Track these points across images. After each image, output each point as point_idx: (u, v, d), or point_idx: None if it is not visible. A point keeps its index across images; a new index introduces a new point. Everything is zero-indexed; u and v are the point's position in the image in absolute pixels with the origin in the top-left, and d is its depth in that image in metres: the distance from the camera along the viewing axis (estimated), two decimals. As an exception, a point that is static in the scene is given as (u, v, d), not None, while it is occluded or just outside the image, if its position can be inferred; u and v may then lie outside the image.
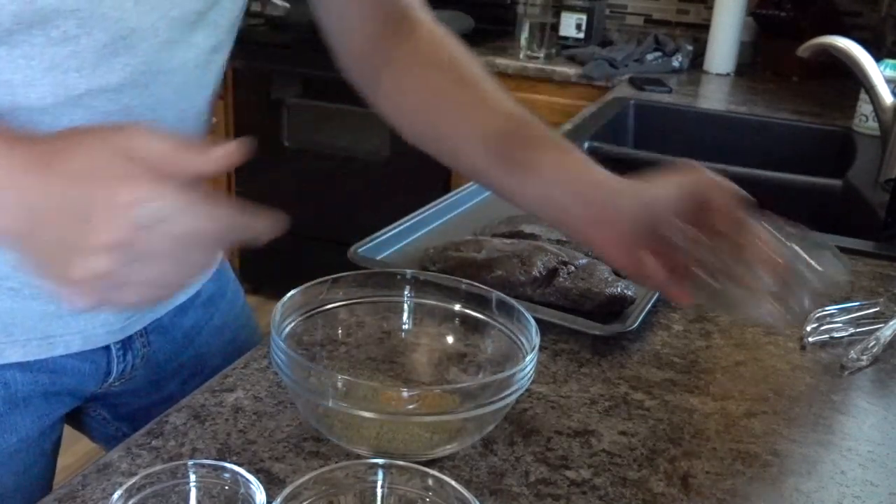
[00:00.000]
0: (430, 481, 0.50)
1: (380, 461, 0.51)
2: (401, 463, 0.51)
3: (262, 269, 2.90)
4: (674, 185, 0.64)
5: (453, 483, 0.49)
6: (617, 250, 0.66)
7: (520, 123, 0.72)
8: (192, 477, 0.52)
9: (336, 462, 0.59)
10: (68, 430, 0.83)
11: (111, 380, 0.78)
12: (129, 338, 0.77)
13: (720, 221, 0.61)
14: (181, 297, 0.82)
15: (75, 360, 0.74)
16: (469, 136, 0.73)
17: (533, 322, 0.64)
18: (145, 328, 0.79)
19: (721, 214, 0.62)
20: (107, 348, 0.76)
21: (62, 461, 0.85)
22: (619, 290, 0.81)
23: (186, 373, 0.84)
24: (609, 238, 0.66)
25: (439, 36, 0.80)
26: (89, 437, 0.87)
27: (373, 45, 0.80)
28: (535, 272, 0.83)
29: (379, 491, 0.51)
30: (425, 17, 0.81)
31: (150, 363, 0.81)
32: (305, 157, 2.71)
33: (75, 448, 0.96)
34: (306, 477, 0.49)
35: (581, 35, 2.52)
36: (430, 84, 0.78)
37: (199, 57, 0.68)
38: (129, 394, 0.82)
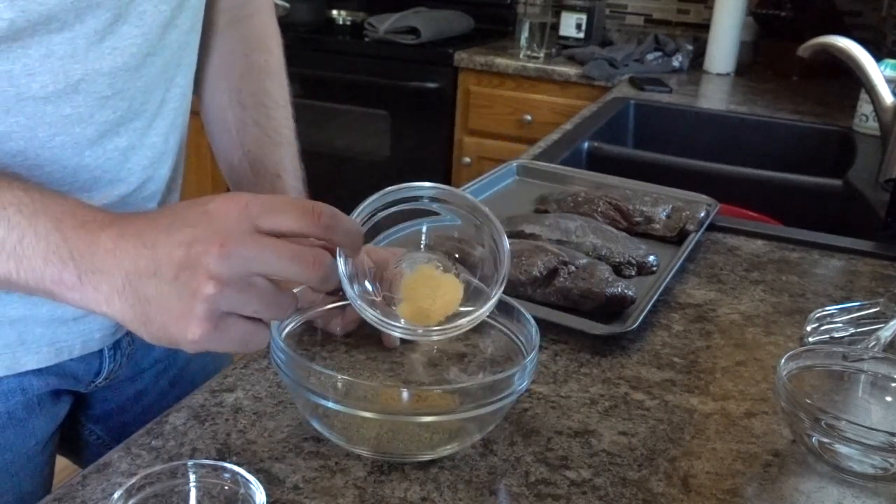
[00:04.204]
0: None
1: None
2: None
3: (261, 269, 2.90)
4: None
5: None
6: None
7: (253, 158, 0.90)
8: (192, 477, 0.52)
9: (335, 462, 0.59)
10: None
11: (99, 380, 0.79)
12: (118, 340, 0.79)
13: None
14: None
15: (75, 362, 0.75)
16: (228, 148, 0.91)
17: (533, 322, 0.64)
18: None
19: None
20: (100, 351, 0.77)
21: (58, 463, 0.85)
22: (619, 290, 0.81)
23: (161, 366, 0.87)
24: None
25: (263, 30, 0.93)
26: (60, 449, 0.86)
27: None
28: (535, 272, 0.83)
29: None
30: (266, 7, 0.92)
31: (132, 360, 0.83)
32: (305, 157, 2.70)
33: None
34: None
35: (581, 35, 2.51)
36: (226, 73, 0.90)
37: (181, 38, 0.73)
38: (107, 390, 0.83)
